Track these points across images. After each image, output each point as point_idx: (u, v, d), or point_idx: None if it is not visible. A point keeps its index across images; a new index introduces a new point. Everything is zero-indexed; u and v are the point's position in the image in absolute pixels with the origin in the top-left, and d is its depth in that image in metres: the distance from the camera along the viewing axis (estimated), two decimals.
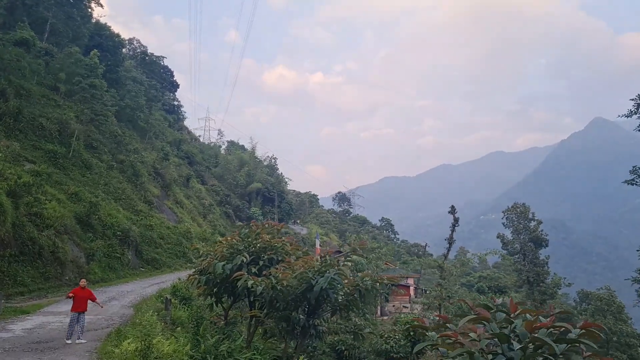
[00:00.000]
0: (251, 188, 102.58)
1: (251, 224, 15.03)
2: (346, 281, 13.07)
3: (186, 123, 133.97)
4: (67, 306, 22.19)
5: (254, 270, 13.34)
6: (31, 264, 27.46)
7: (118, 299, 24.67)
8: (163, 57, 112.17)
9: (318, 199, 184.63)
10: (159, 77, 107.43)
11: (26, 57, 47.06)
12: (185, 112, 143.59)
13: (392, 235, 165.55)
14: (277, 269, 12.96)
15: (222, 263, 13.37)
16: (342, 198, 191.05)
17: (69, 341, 14.10)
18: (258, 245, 14.16)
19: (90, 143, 49.46)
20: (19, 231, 27.28)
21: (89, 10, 70.24)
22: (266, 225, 14.43)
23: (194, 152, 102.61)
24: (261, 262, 13.61)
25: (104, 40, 68.51)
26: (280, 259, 14.10)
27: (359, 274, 13.81)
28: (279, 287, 12.07)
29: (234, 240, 14.57)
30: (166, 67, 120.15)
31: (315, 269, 12.23)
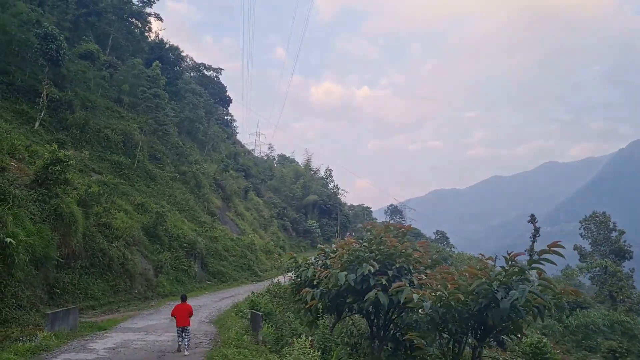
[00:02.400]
0: (307, 200, 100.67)
1: (368, 226, 12.45)
2: None
3: (238, 138, 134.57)
4: (143, 322, 20.49)
5: (382, 281, 10.88)
6: (101, 277, 26.09)
7: (193, 314, 22.71)
8: (221, 69, 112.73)
9: (371, 212, 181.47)
10: (213, 92, 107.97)
11: (91, 70, 47.08)
12: (237, 127, 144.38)
13: (448, 249, 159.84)
14: (423, 279, 10.46)
15: (344, 273, 11.01)
16: (393, 210, 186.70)
17: (184, 351, 14.10)
18: (385, 251, 11.69)
19: (154, 154, 48.87)
20: (89, 242, 26.01)
21: (148, 25, 70.86)
22: (390, 227, 11.95)
23: (249, 165, 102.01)
24: (390, 273, 11.15)
25: (164, 53, 68.76)
26: (410, 267, 11.59)
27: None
28: (453, 304, 9.37)
29: (353, 245, 12.14)
30: (219, 82, 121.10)
31: (499, 279, 9.46)
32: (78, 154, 31.13)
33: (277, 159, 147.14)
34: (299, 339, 8.86)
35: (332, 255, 14.42)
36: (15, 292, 18.65)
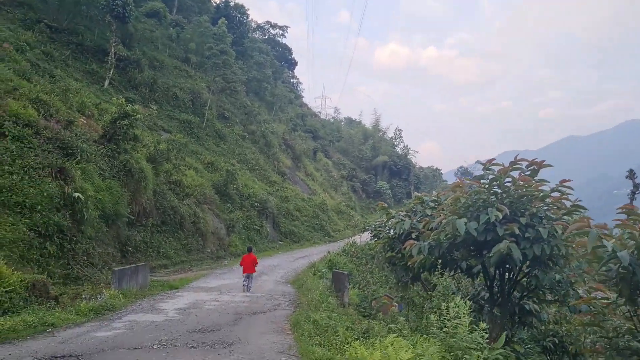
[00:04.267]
0: (377, 161, 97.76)
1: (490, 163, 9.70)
2: None
3: (304, 101, 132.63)
4: (216, 281, 19.28)
5: (515, 230, 8.44)
6: (173, 235, 25.30)
7: (267, 274, 21.41)
8: (286, 27, 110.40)
9: (441, 173, 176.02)
10: (278, 55, 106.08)
11: (158, 29, 46.37)
12: (303, 90, 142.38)
13: None
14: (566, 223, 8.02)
15: (463, 220, 8.71)
16: (464, 172, 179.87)
17: (245, 292, 16.05)
18: (513, 193, 9.21)
19: (222, 113, 48.01)
20: (160, 199, 25.18)
21: None
22: (518, 163, 9.30)
23: (317, 126, 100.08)
24: (524, 220, 8.71)
25: (229, 12, 67.27)
26: (549, 214, 9.05)
27: None
28: None
29: (472, 187, 9.65)
30: (285, 45, 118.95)
31: None
32: (146, 111, 30.26)
33: (343, 122, 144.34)
34: (454, 300, 6.76)
35: (431, 204, 12.15)
36: (86, 250, 17.88)
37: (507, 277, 10.04)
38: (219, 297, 14.88)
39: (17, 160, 16.96)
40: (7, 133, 17.58)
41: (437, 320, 6.99)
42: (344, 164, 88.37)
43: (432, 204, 12.20)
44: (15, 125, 17.98)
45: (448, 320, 6.55)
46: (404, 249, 10.44)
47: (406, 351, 6.03)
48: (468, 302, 6.57)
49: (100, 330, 9.77)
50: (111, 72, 34.99)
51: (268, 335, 9.86)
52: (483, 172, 9.65)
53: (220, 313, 12.08)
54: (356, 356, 6.72)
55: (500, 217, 8.45)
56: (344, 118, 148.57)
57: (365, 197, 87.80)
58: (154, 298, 14.27)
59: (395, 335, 7.60)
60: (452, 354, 6.30)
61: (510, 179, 9.49)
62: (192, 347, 8.63)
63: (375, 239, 29.87)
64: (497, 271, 10.26)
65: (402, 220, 11.78)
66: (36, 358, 7.55)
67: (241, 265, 17.17)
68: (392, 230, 12.39)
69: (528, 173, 9.37)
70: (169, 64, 46.06)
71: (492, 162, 9.58)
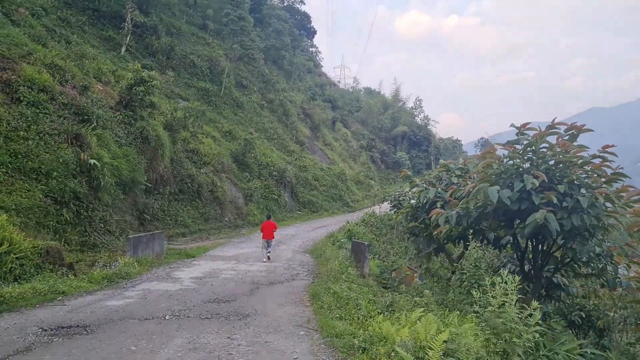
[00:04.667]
0: (396, 131, 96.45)
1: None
2: None
3: (323, 71, 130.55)
4: (234, 250, 19.05)
5: (553, 199, 7.78)
6: (191, 204, 25.11)
7: (285, 243, 21.13)
8: None
9: (462, 145, 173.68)
10: (297, 23, 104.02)
11: None
12: (322, 59, 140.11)
13: None
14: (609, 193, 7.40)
15: (496, 188, 8.10)
16: (484, 144, 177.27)
17: (264, 259, 16.33)
18: (549, 159, 8.52)
19: (240, 81, 47.35)
20: (177, 167, 24.92)
21: None
22: (555, 127, 8.57)
23: (336, 96, 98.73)
24: (562, 188, 8.05)
25: None
26: (588, 181, 8.34)
27: None
28: None
29: (505, 152, 8.94)
30: (304, 12, 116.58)
31: None
32: (163, 78, 29.78)
33: (363, 92, 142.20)
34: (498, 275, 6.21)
35: (458, 172, 11.52)
36: (103, 217, 17.74)
37: (539, 249, 9.43)
38: (236, 266, 14.59)
39: (32, 126, 16.72)
40: (22, 98, 17.31)
41: (479, 297, 6.35)
42: (363, 134, 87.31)
43: (458, 172, 11.59)
44: (30, 90, 17.68)
45: (493, 297, 5.96)
46: (430, 218, 9.87)
47: (440, 330, 5.53)
48: (517, 277, 5.98)
49: (112, 299, 9.51)
50: (128, 39, 34.48)
51: (286, 307, 9.48)
52: (517, 137, 8.96)
53: (237, 282, 11.76)
54: (380, 332, 6.26)
55: (537, 184, 7.80)
56: (363, 88, 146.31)
57: (385, 167, 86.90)
58: (170, 266, 14.04)
59: (422, 309, 7.12)
60: (497, 335, 5.78)
61: (546, 145, 8.80)
62: (206, 318, 8.29)
63: (395, 210, 29.51)
64: (531, 243, 9.66)
65: (426, 188, 11.18)
66: (41, 328, 7.28)
67: (261, 231, 17.62)
68: (415, 200, 11.83)
69: (566, 138, 8.67)
70: (186, 30, 45.31)
71: (527, 126, 8.88)
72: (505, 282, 5.91)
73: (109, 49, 33.08)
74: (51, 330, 7.23)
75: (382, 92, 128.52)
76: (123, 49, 33.77)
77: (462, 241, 11.13)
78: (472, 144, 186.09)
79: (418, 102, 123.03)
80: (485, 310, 5.95)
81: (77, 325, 7.54)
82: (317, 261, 15.79)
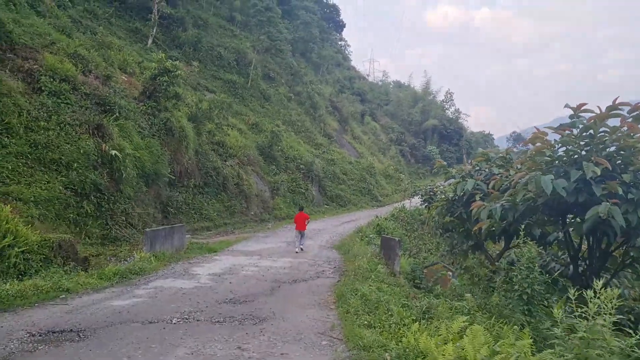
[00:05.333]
0: (426, 125, 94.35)
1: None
2: None
3: (352, 64, 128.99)
4: (258, 244, 18.33)
5: (618, 190, 6.72)
6: (216, 197, 24.57)
7: (312, 238, 20.37)
8: None
9: (493, 138, 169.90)
10: (326, 16, 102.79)
11: None
12: (351, 52, 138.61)
13: None
14: None
15: (549, 177, 7.07)
16: (517, 138, 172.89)
17: (296, 249, 16.77)
18: (609, 144, 7.39)
19: (267, 74, 46.73)
20: (202, 160, 24.40)
21: None
22: (615, 107, 7.42)
23: (365, 89, 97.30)
24: (627, 177, 6.97)
25: None
26: None
27: None
28: None
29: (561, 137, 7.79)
30: (333, 5, 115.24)
31: None
32: (188, 68, 29.32)
33: (392, 85, 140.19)
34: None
35: (499, 162, 10.44)
36: (124, 209, 17.28)
37: (595, 247, 8.29)
38: (258, 261, 13.84)
39: (53, 116, 16.34)
40: (43, 88, 16.96)
41: (562, 314, 5.00)
42: (392, 128, 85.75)
43: (499, 162, 10.52)
44: (51, 80, 17.31)
45: (585, 317, 4.68)
46: (471, 210, 8.84)
47: (495, 351, 4.51)
48: (615, 290, 4.83)
49: (119, 298, 8.81)
50: (154, 31, 34.20)
51: (308, 310, 8.59)
52: (572, 120, 7.85)
53: (258, 280, 11.00)
54: (416, 345, 5.33)
55: (598, 173, 6.75)
56: (393, 82, 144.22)
57: (414, 162, 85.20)
58: (189, 261, 13.37)
59: (465, 318, 6.12)
60: None
61: (606, 129, 7.66)
62: (217, 322, 7.46)
63: (426, 204, 28.38)
64: (587, 240, 8.54)
65: (463, 179, 10.16)
66: (29, 332, 6.56)
67: (294, 223, 18.15)
68: (451, 192, 10.81)
69: (630, 120, 7.55)
70: (213, 22, 44.90)
71: (583, 107, 7.78)
72: (597, 297, 4.71)
73: (135, 41, 32.85)
74: (40, 336, 6.50)
75: (411, 86, 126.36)
76: (150, 41, 33.50)
77: (502, 238, 10.09)
78: (504, 137, 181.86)
79: (449, 95, 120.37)
80: (570, 335, 4.77)
81: (71, 330, 6.80)
82: (344, 257, 14.93)
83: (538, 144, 7.87)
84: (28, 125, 15.59)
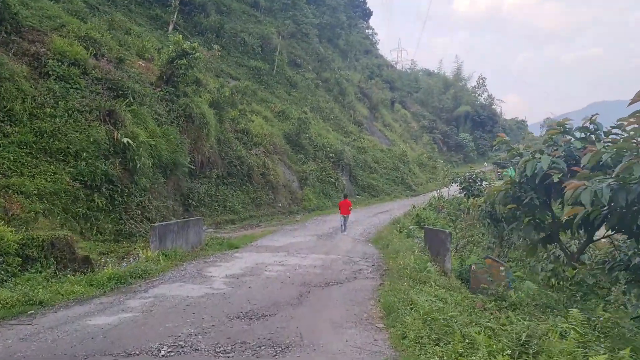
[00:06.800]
0: (459, 112, 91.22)
1: None
2: None
3: (380, 53, 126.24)
4: (285, 238, 16.58)
5: None
6: (240, 188, 23.03)
7: (345, 231, 18.56)
8: None
9: (527, 125, 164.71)
10: (352, 2, 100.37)
11: None
12: (379, 41, 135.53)
13: None
14: None
15: None
16: (551, 125, 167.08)
17: (344, 232, 18.53)
18: None
19: (293, 60, 45.05)
20: (224, 149, 22.87)
21: None
22: None
23: (394, 77, 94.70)
24: None
25: None
26: None
27: None
28: None
29: None
30: None
31: None
32: (209, 53, 27.79)
33: (421, 73, 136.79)
34: None
35: (578, 134, 8.40)
36: (140, 202, 15.87)
37: None
38: (285, 259, 12.08)
39: (60, 102, 14.96)
40: (50, 72, 15.59)
41: None
42: (423, 115, 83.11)
43: (579, 134, 8.45)
44: (59, 64, 15.93)
45: None
46: (565, 191, 6.79)
47: None
48: None
49: (104, 313, 7.00)
50: (175, 17, 32.82)
51: (347, 331, 6.49)
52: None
53: (283, 283, 9.22)
54: None
55: None
56: (422, 70, 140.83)
57: (447, 150, 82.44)
58: (205, 260, 11.66)
59: (605, 357, 4.09)
60: None
61: None
62: (223, 352, 5.47)
63: (465, 192, 26.23)
64: None
65: (533, 158, 8.17)
66: None
67: (339, 208, 20.00)
68: (517, 173, 8.83)
69: None
70: (237, 8, 43.37)
71: None
72: None
73: (155, 28, 31.56)
74: None
75: (442, 72, 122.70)
76: (170, 27, 32.12)
77: (583, 229, 8.10)
78: (537, 124, 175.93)
79: (481, 81, 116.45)
80: None
81: None
82: (383, 253, 13.10)
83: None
84: (33, 112, 14.25)
